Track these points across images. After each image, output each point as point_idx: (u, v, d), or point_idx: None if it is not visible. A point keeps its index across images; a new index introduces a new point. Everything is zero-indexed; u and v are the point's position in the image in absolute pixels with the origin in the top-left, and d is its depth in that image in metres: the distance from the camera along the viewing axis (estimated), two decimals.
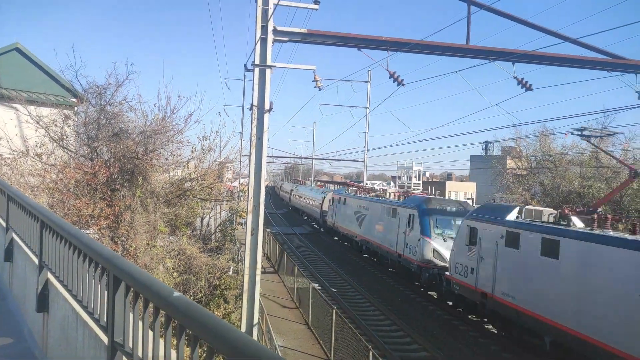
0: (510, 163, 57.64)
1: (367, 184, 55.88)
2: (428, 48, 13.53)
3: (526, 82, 13.73)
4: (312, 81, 13.47)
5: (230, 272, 18.01)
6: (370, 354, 10.27)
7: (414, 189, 62.33)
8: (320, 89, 13.74)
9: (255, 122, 12.81)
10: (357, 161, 43.75)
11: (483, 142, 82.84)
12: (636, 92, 13.93)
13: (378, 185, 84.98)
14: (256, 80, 12.68)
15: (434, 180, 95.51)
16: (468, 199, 79.05)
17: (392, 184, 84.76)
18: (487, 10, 13.12)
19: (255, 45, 12.45)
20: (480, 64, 13.92)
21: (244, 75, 28.93)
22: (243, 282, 12.96)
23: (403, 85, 13.49)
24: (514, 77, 13.74)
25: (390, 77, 13.40)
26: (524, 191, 46.89)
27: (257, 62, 12.53)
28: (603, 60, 13.93)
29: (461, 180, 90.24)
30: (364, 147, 40.92)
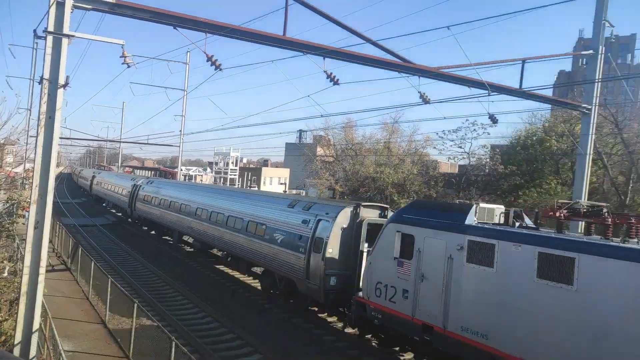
0: (320, 151, 62.34)
1: (182, 169, 53.74)
2: (245, 35, 13.53)
3: (334, 76, 14.90)
4: (120, 57, 12.19)
5: (6, 274, 15.44)
6: (173, 344, 9.86)
7: (231, 175, 62.37)
8: (129, 66, 12.52)
9: (46, 98, 10.99)
10: (172, 146, 41.60)
11: (298, 131, 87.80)
12: (418, 92, 16.43)
13: (193, 171, 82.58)
14: (49, 50, 10.83)
15: (251, 166, 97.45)
16: (281, 184, 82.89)
17: (208, 169, 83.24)
18: (302, 5, 13.75)
19: (49, 8, 10.63)
20: (295, 56, 14.57)
21: (35, 43, 24.52)
22: (21, 284, 11.08)
23: (221, 69, 13.25)
24: (324, 71, 14.77)
25: (207, 61, 13.03)
26: (330, 176, 51.59)
27: (50, 29, 10.72)
28: (396, 62, 15.94)
29: (276, 167, 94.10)
30: (180, 131, 39.25)
